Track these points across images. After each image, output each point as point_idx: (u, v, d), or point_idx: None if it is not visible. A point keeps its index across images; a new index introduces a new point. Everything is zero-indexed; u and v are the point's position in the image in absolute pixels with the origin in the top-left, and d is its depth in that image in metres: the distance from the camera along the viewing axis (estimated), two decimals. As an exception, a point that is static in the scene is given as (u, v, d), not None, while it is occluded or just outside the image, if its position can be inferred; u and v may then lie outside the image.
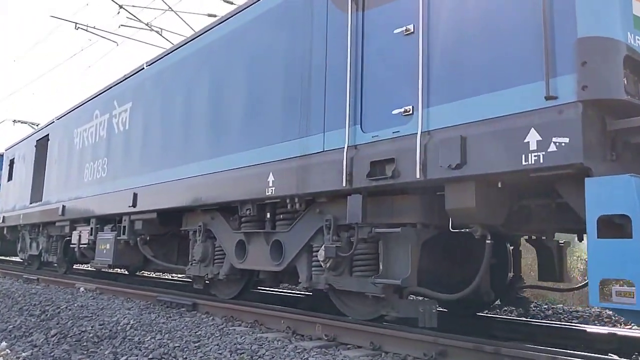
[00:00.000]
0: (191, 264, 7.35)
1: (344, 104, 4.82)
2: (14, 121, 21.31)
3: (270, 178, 5.55)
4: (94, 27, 15.75)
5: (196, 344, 4.93)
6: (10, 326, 7.08)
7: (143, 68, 8.82)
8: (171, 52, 8.11)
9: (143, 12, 17.41)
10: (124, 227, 8.44)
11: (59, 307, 7.59)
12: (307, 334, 5.13)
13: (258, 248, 6.11)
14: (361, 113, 4.72)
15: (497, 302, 6.22)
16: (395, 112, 4.42)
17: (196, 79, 7.24)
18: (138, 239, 8.27)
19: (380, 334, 4.52)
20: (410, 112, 4.29)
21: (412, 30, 4.38)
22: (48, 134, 12.82)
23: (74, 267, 12.89)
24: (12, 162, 15.71)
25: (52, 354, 5.51)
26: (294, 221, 5.69)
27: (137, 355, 4.92)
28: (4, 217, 15.40)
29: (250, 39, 6.31)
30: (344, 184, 4.66)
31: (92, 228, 9.60)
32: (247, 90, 6.22)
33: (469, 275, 4.83)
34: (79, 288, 9.70)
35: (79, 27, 15.61)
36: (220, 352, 4.60)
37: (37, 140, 13.57)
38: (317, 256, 5.20)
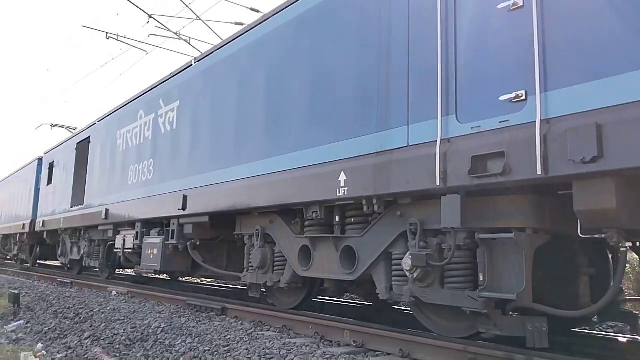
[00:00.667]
0: (247, 271, 6.87)
1: (434, 92, 4.21)
2: (52, 125, 21.20)
3: (342, 177, 4.98)
4: (124, 37, 15.81)
5: (226, 348, 4.96)
6: (46, 328, 7.44)
7: (191, 65, 8.38)
8: (222, 46, 7.61)
9: (172, 21, 17.38)
10: (173, 231, 8.05)
11: (92, 310, 7.73)
12: (336, 340, 5.11)
13: (326, 254, 5.54)
14: (456, 101, 4.11)
15: (595, 317, 5.48)
16: (502, 98, 3.80)
17: (251, 73, 6.73)
18: (188, 243, 7.85)
19: (410, 340, 4.45)
20: (523, 97, 3.66)
21: (522, 4, 3.77)
22: (89, 137, 12.48)
23: (115, 272, 12.53)
24: (51, 166, 15.41)
25: (85, 356, 5.80)
26: (367, 225, 5.11)
27: (168, 359, 5.05)
28: (43, 221, 15.15)
29: (314, 25, 5.75)
30: (437, 183, 4.05)
31: (137, 232, 9.22)
32: (311, 80, 5.66)
33: (569, 286, 4.32)
34: (111, 292, 9.85)
35: (110, 37, 15.70)
36: (249, 356, 4.60)
37: (77, 143, 13.27)
38: (398, 265, 4.63)
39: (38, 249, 17.82)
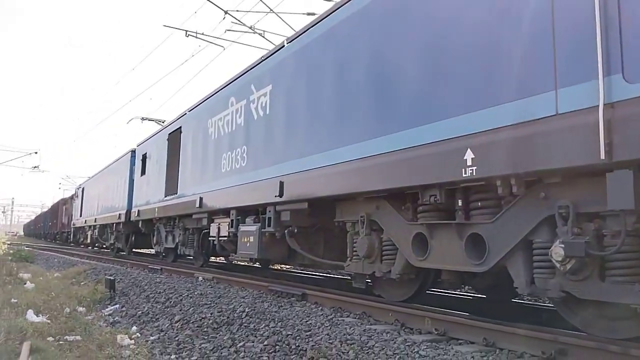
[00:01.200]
0: (351, 260, 6.43)
1: (592, 45, 3.50)
2: (142, 118, 21.69)
3: (468, 155, 4.36)
4: (202, 34, 16.18)
5: (307, 333, 5.06)
6: (139, 312, 7.75)
7: (283, 46, 8.01)
8: (316, 23, 7.15)
9: (247, 16, 17.53)
10: (269, 218, 7.79)
11: (181, 295, 8.04)
12: (417, 328, 5.10)
13: (447, 243, 4.94)
14: (622, 56, 3.39)
15: None
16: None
17: (350, 47, 6.21)
18: (286, 231, 7.54)
19: (495, 329, 4.34)
20: None
21: None
22: (180, 127, 12.46)
23: (210, 259, 12.48)
24: (144, 157, 15.72)
25: (176, 338, 6.01)
26: (499, 209, 4.47)
27: (253, 342, 5.20)
28: (138, 210, 15.52)
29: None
30: (601, 157, 3.36)
31: (232, 220, 9.10)
32: (423, 47, 5.03)
33: None
34: (197, 277, 10.14)
35: (189, 35, 16.16)
36: (330, 341, 4.68)
37: (169, 134, 13.35)
38: (542, 255, 3.98)
39: (133, 238, 18.36)
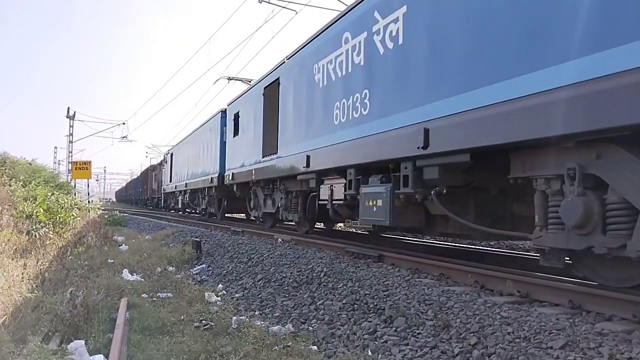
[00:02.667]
0: (544, 230, 4.67)
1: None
2: (229, 78, 20.70)
3: None
4: None
5: (385, 293, 5.06)
6: (224, 271, 8.18)
7: None
8: None
9: None
10: (405, 177, 6.29)
11: (262, 256, 8.33)
12: (497, 289, 4.97)
13: None
14: None
15: None
16: None
17: None
18: (432, 192, 5.93)
19: (581, 292, 4.25)
20: None
21: None
22: (278, 78, 10.99)
23: (314, 226, 11.15)
24: (236, 117, 14.50)
25: (259, 295, 6.33)
26: None
27: (331, 300, 5.35)
28: (232, 174, 14.53)
29: None
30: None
31: (350, 180, 7.72)
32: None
33: None
34: (277, 239, 10.29)
35: (262, 1, 16.26)
36: (408, 301, 4.69)
37: (264, 88, 11.92)
38: None
39: (225, 202, 17.81)
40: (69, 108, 35.15)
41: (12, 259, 7.88)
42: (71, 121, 35.25)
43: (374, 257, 6.99)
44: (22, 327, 4.57)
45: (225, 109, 16.11)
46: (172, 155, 27.79)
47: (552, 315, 3.91)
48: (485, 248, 9.37)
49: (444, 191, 5.90)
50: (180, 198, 24.94)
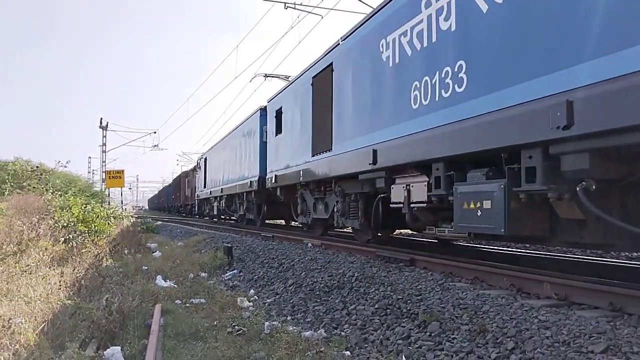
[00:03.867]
0: None
1: None
2: (265, 75, 19.29)
3: None
4: (300, 4, 16.22)
5: (418, 297, 4.98)
6: (255, 276, 8.22)
7: None
8: None
9: None
10: (531, 169, 4.76)
11: (292, 261, 8.30)
12: (534, 292, 4.82)
13: None
14: None
15: None
16: None
17: None
18: (578, 188, 4.40)
19: (622, 294, 4.10)
20: None
21: None
22: (331, 64, 9.59)
23: (378, 234, 9.52)
24: (278, 113, 13.23)
25: (291, 300, 6.30)
26: None
27: (363, 305, 5.27)
28: (275, 176, 13.19)
29: None
30: None
31: (437, 178, 6.18)
32: None
33: None
34: (307, 244, 10.19)
35: (287, 7, 16.25)
36: (442, 305, 4.60)
37: (313, 77, 10.53)
38: None
39: (265, 208, 16.57)
40: (101, 119, 35.91)
41: (50, 268, 8.07)
42: (104, 131, 36.03)
43: (406, 261, 6.90)
44: (61, 333, 4.67)
45: (265, 106, 14.98)
46: (205, 159, 26.73)
47: (592, 318, 3.79)
48: (520, 250, 9.16)
49: (593, 187, 4.39)
50: (215, 204, 23.71)
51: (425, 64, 6.40)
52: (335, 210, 9.99)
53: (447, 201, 6.04)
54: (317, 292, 6.29)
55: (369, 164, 7.63)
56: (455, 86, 5.72)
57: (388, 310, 4.92)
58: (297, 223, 14.23)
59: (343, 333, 4.76)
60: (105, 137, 36.06)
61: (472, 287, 5.26)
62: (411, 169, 6.98)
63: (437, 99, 6.09)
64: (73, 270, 8.03)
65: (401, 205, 7.21)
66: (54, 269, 7.90)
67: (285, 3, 16.17)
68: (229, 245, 10.55)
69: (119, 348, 4.24)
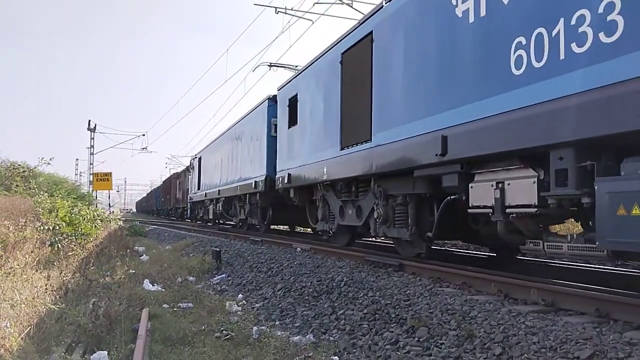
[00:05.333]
0: None
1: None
2: (270, 65, 17.50)
3: None
4: (291, 9, 16.22)
5: (406, 302, 4.99)
6: (244, 281, 8.17)
7: None
8: None
9: None
10: None
11: (281, 265, 8.26)
12: (522, 298, 4.85)
13: None
14: None
15: None
16: None
17: None
18: None
19: (608, 300, 4.16)
20: None
21: None
22: (370, 32, 7.80)
23: (432, 246, 7.68)
24: (292, 102, 11.38)
25: (279, 305, 6.29)
26: None
27: (352, 310, 5.27)
28: (288, 174, 11.28)
29: None
30: None
31: (557, 171, 4.49)
32: None
33: None
34: (296, 248, 10.10)
35: (278, 11, 16.24)
36: (430, 311, 4.61)
37: (342, 54, 8.81)
38: None
39: (271, 212, 14.46)
40: (90, 121, 35.65)
41: (36, 271, 7.99)
42: (92, 133, 35.77)
43: (395, 266, 6.91)
44: (47, 337, 4.63)
45: (274, 96, 13.05)
46: (200, 159, 24.81)
47: (579, 324, 3.83)
48: (475, 253, 9.20)
49: None
50: (211, 207, 21.58)
51: (538, 10, 4.65)
52: (375, 217, 7.99)
53: (578, 204, 4.43)
54: (306, 297, 6.28)
55: (437, 154, 5.91)
56: (602, 34, 3.98)
57: (377, 315, 4.92)
58: (310, 230, 12.06)
59: (331, 338, 4.76)
60: (94, 139, 35.79)
61: (461, 292, 5.29)
62: (506, 160, 5.22)
63: (561, 57, 4.36)
64: (60, 274, 7.96)
65: (489, 210, 5.43)
66: (40, 272, 7.81)
67: (275, 8, 16.26)
68: (218, 249, 10.50)
69: (105, 353, 4.21)
